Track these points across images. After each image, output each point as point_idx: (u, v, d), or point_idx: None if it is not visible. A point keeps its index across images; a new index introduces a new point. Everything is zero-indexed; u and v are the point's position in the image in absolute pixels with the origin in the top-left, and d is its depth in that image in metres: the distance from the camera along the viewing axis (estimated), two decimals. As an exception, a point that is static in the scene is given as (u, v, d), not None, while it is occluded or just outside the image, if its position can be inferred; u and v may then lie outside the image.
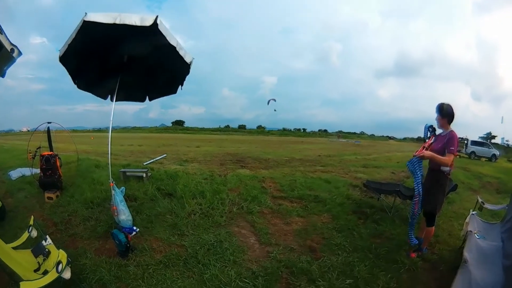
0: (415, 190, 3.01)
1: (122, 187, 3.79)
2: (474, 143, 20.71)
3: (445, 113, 3.04)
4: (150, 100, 4.56)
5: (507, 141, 27.04)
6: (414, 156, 3.02)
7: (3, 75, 2.97)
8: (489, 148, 20.57)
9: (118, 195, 3.50)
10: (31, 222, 3.04)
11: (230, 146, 18.85)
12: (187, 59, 3.31)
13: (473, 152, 19.85)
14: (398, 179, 7.72)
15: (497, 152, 20.09)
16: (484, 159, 19.13)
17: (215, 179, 6.26)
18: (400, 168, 9.73)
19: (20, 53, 2.72)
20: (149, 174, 6.04)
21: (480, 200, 4.45)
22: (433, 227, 3.21)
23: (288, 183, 6.21)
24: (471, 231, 3.11)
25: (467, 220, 3.59)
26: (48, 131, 5.82)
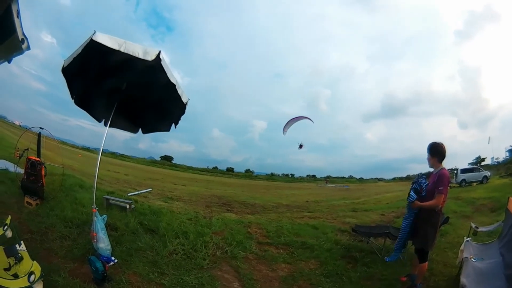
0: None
1: (104, 215, 3.67)
2: (464, 171, 20.04)
3: (434, 151, 3.08)
4: (143, 133, 4.46)
5: (497, 159, 26.59)
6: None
7: (9, 61, 2.99)
8: (479, 171, 19.88)
9: (99, 222, 3.38)
10: (8, 221, 2.95)
11: (216, 188, 18.75)
12: (184, 99, 3.30)
13: (463, 180, 19.11)
14: (388, 221, 7.60)
15: (488, 173, 19.41)
16: (475, 183, 18.54)
17: (200, 220, 6.17)
18: (390, 209, 9.61)
19: (28, 47, 2.75)
20: (132, 206, 5.93)
21: (473, 226, 4.44)
22: (426, 263, 3.12)
23: (274, 229, 6.10)
24: (466, 257, 3.08)
25: (462, 247, 3.55)
26: (39, 136, 5.79)
